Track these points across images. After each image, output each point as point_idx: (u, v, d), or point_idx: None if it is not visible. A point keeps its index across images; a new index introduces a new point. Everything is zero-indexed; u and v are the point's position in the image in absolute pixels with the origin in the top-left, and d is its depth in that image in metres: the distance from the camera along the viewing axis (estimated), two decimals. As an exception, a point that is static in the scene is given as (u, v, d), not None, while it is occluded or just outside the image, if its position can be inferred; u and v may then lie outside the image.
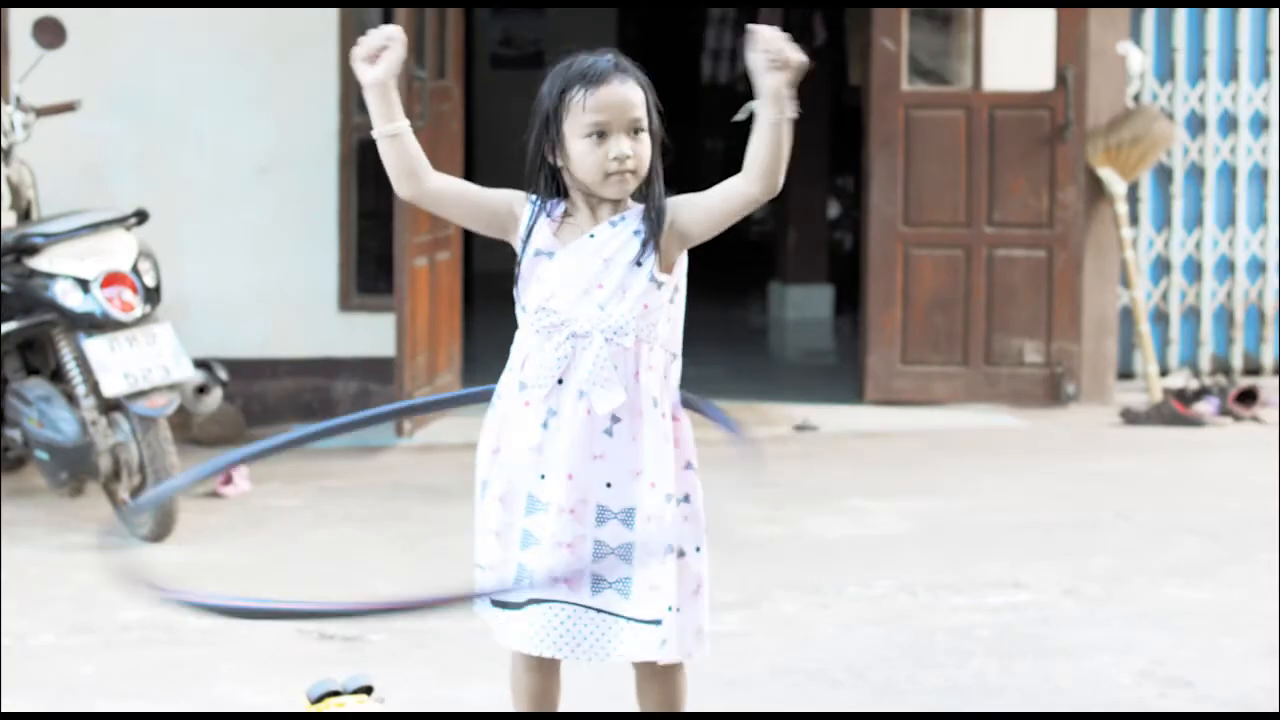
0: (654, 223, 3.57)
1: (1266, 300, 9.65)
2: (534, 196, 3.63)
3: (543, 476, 3.58)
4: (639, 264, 3.56)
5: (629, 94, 3.54)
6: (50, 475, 6.71)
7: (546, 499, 3.58)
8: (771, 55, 3.44)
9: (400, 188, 3.65)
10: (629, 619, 3.58)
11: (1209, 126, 9.57)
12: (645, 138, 3.55)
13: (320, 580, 6.00)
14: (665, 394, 3.62)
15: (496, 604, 3.64)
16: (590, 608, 3.59)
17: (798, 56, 3.43)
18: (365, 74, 3.56)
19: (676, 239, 3.59)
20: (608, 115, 3.52)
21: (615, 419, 3.57)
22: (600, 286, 3.56)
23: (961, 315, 9.08)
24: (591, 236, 3.58)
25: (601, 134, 3.52)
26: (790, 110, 3.52)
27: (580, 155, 3.53)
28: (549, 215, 3.61)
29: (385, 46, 3.55)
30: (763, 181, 3.56)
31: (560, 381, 3.57)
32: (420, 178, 3.63)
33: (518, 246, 3.64)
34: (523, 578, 3.60)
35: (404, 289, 7.96)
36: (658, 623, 3.56)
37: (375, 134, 3.61)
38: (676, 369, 3.66)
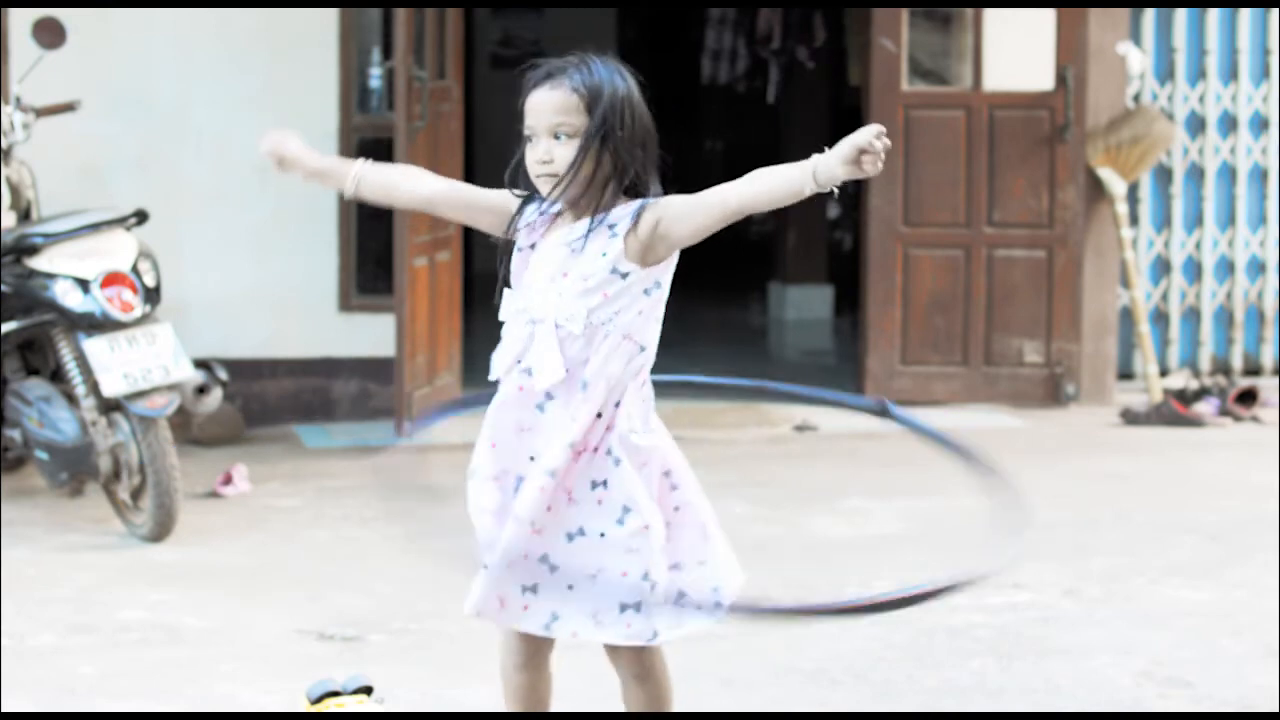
0: (630, 225, 3.62)
1: (1266, 301, 9.65)
2: (528, 198, 3.73)
3: (476, 445, 3.74)
4: (604, 254, 3.64)
5: (552, 99, 3.64)
6: (50, 475, 6.71)
7: (474, 465, 3.73)
8: (869, 156, 3.41)
9: (398, 208, 3.78)
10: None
11: (1209, 127, 9.57)
12: (576, 142, 3.62)
13: (320, 580, 6.01)
14: (610, 379, 3.66)
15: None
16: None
17: (877, 168, 3.44)
18: (301, 169, 3.73)
19: (660, 239, 3.63)
20: (532, 119, 3.66)
21: (549, 395, 3.66)
22: (565, 275, 3.65)
23: (961, 315, 9.08)
24: (568, 230, 3.67)
25: (530, 137, 3.67)
26: (819, 189, 3.54)
27: (525, 157, 3.69)
28: (541, 213, 3.70)
29: (279, 148, 3.72)
30: (751, 208, 3.63)
31: (518, 360, 3.69)
32: (409, 191, 3.81)
33: (513, 240, 3.74)
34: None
35: (404, 289, 7.96)
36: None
37: (347, 195, 3.78)
38: (642, 361, 3.70)
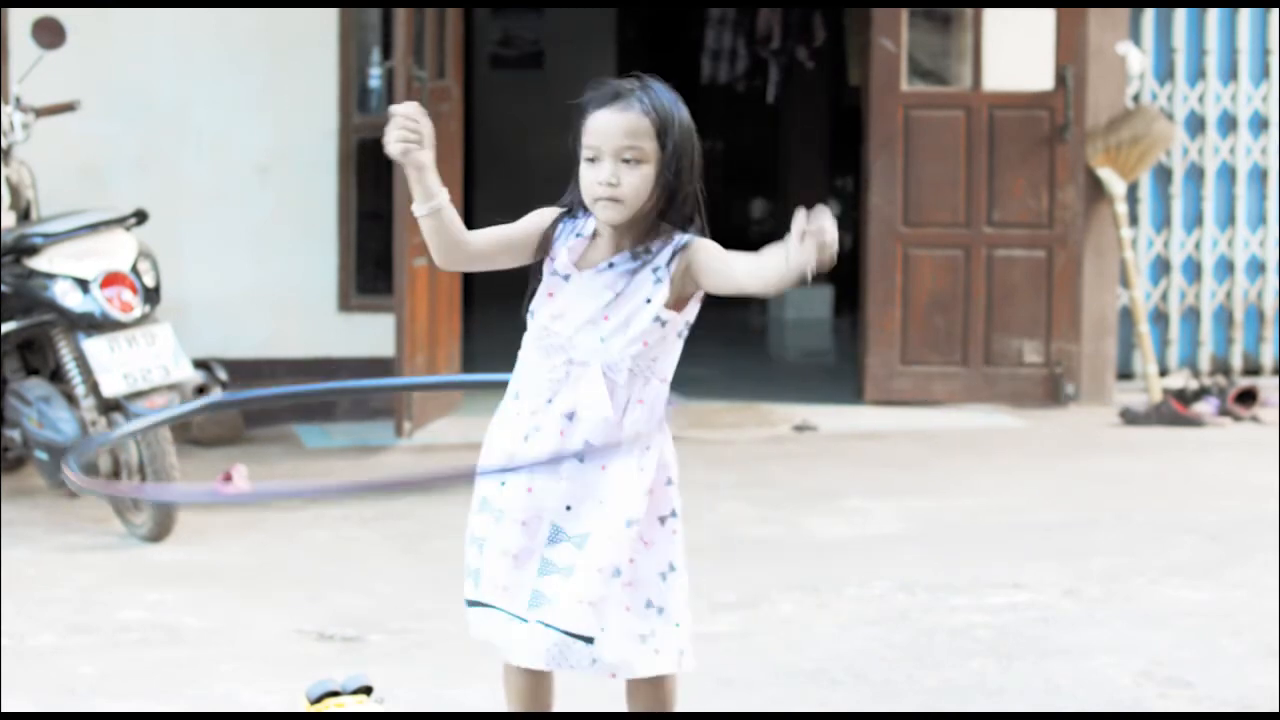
0: (672, 266, 3.58)
1: (1266, 300, 9.65)
2: (564, 214, 3.65)
3: (502, 484, 3.66)
4: (648, 301, 3.59)
5: (624, 122, 3.55)
6: (50, 475, 6.71)
7: (500, 506, 3.65)
8: (818, 242, 3.32)
9: (443, 260, 3.63)
10: (561, 631, 3.61)
11: (1208, 127, 9.57)
12: (643, 169, 3.55)
13: (320, 580, 6.01)
14: (650, 425, 3.65)
15: (468, 600, 3.74)
16: (525, 619, 3.64)
17: (831, 252, 3.33)
18: (409, 158, 3.50)
19: (691, 281, 3.60)
20: (599, 140, 3.55)
21: (588, 444, 3.61)
22: (606, 319, 3.60)
23: (961, 315, 9.08)
24: (611, 266, 3.61)
25: (594, 158, 3.56)
26: (807, 276, 3.40)
27: (581, 175, 3.59)
28: (578, 234, 3.63)
29: (415, 128, 3.49)
30: (754, 290, 3.53)
31: (550, 401, 3.63)
32: (463, 245, 3.62)
33: (545, 261, 3.66)
34: (470, 574, 3.71)
35: (403, 289, 7.96)
36: (590, 640, 3.61)
37: (417, 211, 3.56)
38: (666, 391, 3.69)
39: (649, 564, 3.65)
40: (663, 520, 3.68)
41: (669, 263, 3.58)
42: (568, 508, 3.62)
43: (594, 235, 3.63)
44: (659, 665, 3.68)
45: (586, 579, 3.59)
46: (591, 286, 3.61)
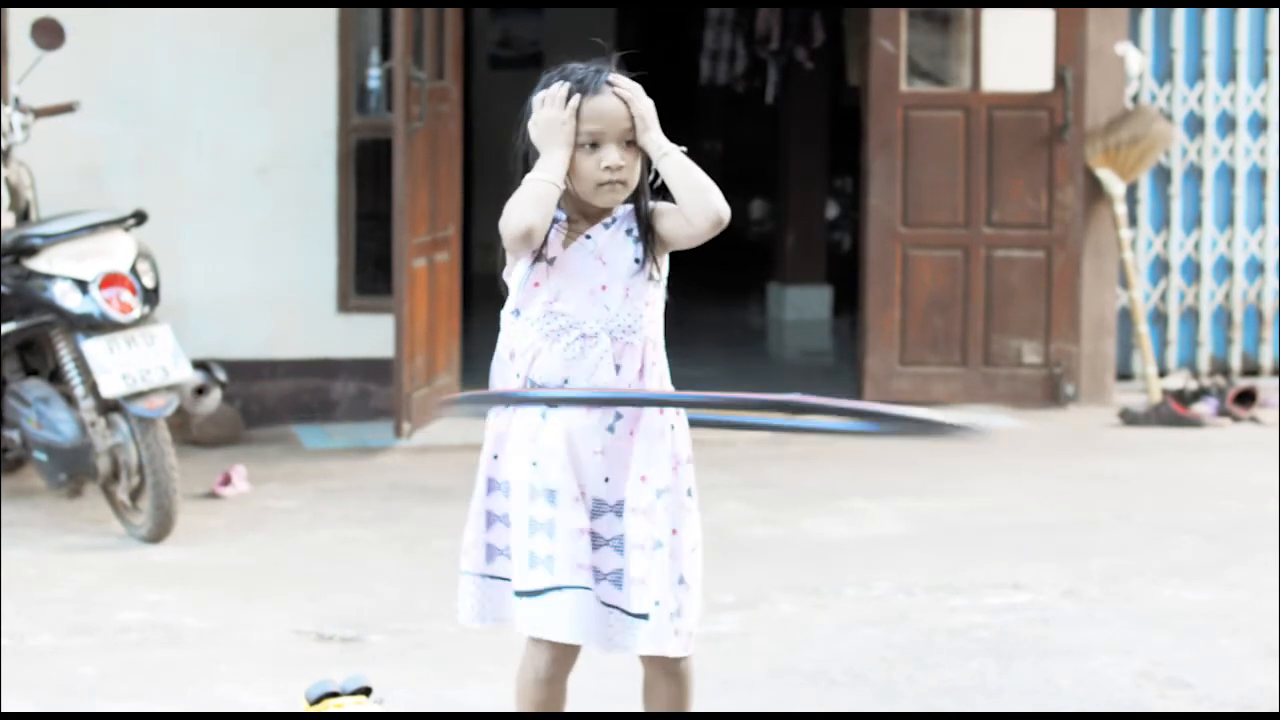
0: (644, 223, 3.64)
1: (1265, 301, 9.65)
2: None
3: (534, 464, 3.62)
4: (637, 262, 3.63)
5: (621, 105, 3.60)
6: (49, 476, 6.71)
7: (549, 485, 3.61)
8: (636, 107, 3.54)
9: (535, 216, 3.55)
10: (622, 612, 3.62)
11: (1207, 127, 9.58)
12: (634, 149, 3.61)
13: (319, 581, 6.01)
14: (663, 390, 3.69)
15: (519, 593, 3.65)
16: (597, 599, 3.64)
17: (640, 105, 3.56)
18: (566, 141, 3.58)
19: (660, 242, 3.66)
20: (602, 125, 3.58)
21: (618, 415, 3.62)
22: (604, 287, 3.63)
23: (960, 316, 9.08)
24: (589, 238, 3.64)
25: (594, 144, 3.59)
26: (666, 148, 3.58)
27: (574, 164, 3.59)
28: (555, 224, 3.64)
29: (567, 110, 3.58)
30: (696, 219, 3.61)
31: (565, 381, 3.62)
32: (550, 215, 3.61)
33: (528, 258, 3.65)
34: (536, 564, 3.62)
35: (403, 290, 7.96)
36: (645, 617, 3.60)
37: (545, 181, 3.55)
38: (664, 363, 3.73)
39: (683, 538, 3.65)
40: (683, 494, 3.67)
41: (639, 228, 3.63)
42: (606, 480, 3.63)
43: (568, 223, 3.65)
44: (655, 647, 3.62)
45: (632, 555, 3.59)
46: (579, 260, 3.63)
